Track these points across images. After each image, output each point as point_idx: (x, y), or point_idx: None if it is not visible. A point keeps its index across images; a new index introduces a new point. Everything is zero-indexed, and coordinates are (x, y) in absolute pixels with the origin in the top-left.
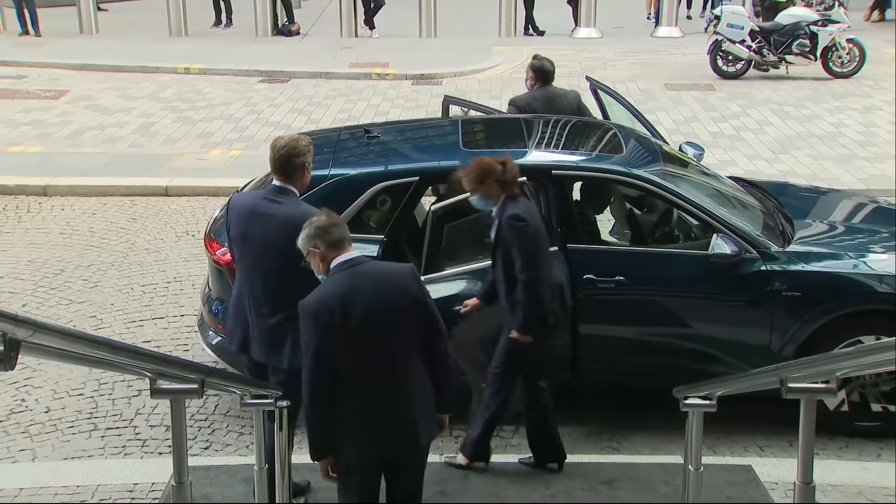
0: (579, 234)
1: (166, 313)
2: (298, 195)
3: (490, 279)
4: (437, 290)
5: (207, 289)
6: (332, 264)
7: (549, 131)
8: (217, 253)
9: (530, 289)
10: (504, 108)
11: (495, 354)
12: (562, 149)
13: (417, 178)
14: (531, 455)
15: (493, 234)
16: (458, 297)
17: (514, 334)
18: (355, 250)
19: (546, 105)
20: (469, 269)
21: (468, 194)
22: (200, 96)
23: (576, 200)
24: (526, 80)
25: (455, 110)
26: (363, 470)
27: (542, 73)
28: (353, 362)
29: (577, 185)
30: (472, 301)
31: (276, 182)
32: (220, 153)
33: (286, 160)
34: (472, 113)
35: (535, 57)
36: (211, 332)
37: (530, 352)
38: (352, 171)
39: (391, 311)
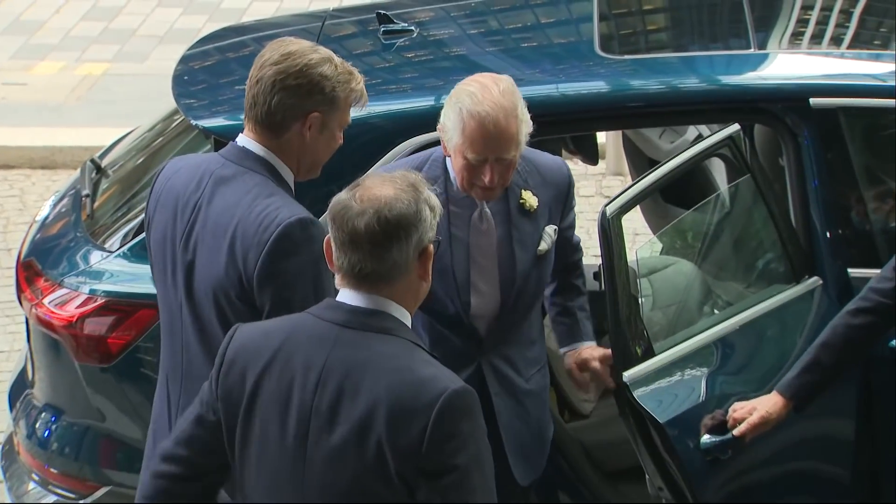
0: (877, 243)
1: None
2: (285, 168)
3: (816, 354)
4: (659, 402)
5: (27, 390)
6: (329, 299)
7: (804, 6)
8: (48, 301)
9: None
10: None
11: None
12: (829, 46)
13: None
14: None
15: None
16: (695, 416)
17: None
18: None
19: None
20: (716, 332)
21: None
22: None
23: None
24: None
25: None
26: None
27: None
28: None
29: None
30: (769, 406)
31: (242, 138)
32: (61, 69)
33: (270, 94)
34: None
35: None
36: (34, 483)
37: None
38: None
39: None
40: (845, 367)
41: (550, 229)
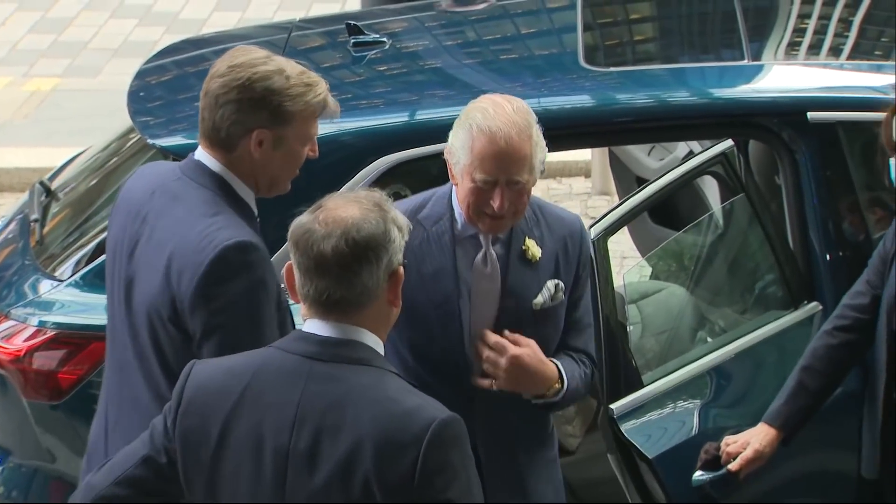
0: None
1: None
2: (241, 185)
3: (799, 379)
4: (648, 436)
5: None
6: (297, 331)
7: (800, 14)
8: None
9: None
10: None
11: None
12: (827, 56)
13: None
14: None
15: None
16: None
17: None
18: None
19: None
20: (712, 360)
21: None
22: None
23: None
24: None
25: None
26: None
27: None
28: None
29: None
30: (762, 438)
31: (200, 151)
32: (7, 84)
33: (214, 108)
34: None
35: None
36: None
37: None
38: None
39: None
40: (831, 389)
41: (552, 284)
